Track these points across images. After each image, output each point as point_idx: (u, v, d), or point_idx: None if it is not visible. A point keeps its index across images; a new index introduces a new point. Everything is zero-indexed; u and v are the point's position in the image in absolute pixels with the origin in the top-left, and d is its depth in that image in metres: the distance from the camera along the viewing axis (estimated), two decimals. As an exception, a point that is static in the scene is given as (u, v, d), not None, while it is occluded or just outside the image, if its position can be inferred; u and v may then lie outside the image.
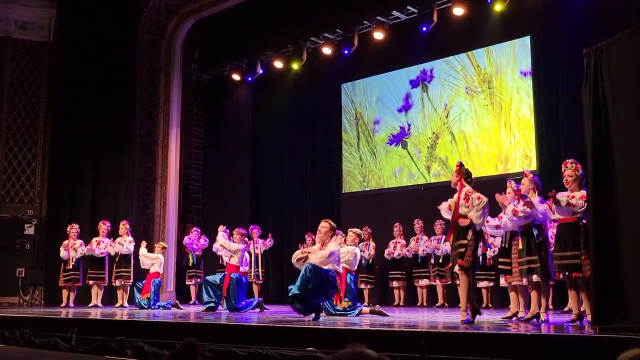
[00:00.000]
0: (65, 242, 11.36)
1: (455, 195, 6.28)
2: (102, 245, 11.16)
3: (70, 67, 13.63)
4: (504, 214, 6.84)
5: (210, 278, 9.67)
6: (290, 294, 6.84)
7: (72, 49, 13.68)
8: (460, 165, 6.39)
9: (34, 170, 13.95)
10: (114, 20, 13.45)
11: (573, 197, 6.04)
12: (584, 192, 5.99)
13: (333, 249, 7.07)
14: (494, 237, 7.95)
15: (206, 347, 5.32)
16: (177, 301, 10.91)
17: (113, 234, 11.45)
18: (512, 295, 7.16)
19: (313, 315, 6.90)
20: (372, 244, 11.39)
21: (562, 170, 6.24)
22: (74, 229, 11.44)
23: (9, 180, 13.75)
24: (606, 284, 4.73)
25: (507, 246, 6.93)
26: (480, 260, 10.19)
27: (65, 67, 13.70)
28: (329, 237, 7.25)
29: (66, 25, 13.90)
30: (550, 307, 7.90)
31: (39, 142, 13.97)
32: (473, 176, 6.50)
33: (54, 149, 13.64)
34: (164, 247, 11.20)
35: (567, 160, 6.28)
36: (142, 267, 10.88)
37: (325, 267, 6.91)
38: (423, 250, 11.10)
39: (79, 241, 11.33)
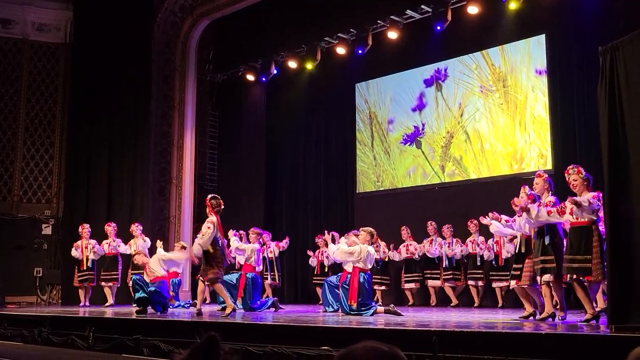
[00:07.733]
0: (78, 242, 11.52)
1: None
2: (109, 246, 11.32)
3: (86, 68, 13.73)
4: (519, 216, 6.84)
5: (226, 278, 9.71)
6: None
7: (88, 50, 13.79)
8: (210, 198, 8.44)
9: (51, 171, 14.09)
10: (130, 21, 13.53)
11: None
12: (594, 193, 6.00)
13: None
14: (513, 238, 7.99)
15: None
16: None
17: (122, 234, 11.54)
18: (522, 298, 7.15)
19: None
20: (382, 243, 11.12)
21: (566, 178, 6.24)
22: (85, 229, 11.61)
23: (26, 180, 13.90)
24: (622, 284, 4.70)
25: (523, 251, 6.90)
26: (494, 260, 10.21)
27: (81, 68, 13.82)
28: None
29: (82, 27, 14.01)
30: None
31: (55, 143, 14.10)
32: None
33: (70, 149, 13.76)
34: (183, 247, 11.12)
35: (567, 168, 6.33)
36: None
37: None
38: (437, 251, 11.02)
39: (93, 241, 11.49)
